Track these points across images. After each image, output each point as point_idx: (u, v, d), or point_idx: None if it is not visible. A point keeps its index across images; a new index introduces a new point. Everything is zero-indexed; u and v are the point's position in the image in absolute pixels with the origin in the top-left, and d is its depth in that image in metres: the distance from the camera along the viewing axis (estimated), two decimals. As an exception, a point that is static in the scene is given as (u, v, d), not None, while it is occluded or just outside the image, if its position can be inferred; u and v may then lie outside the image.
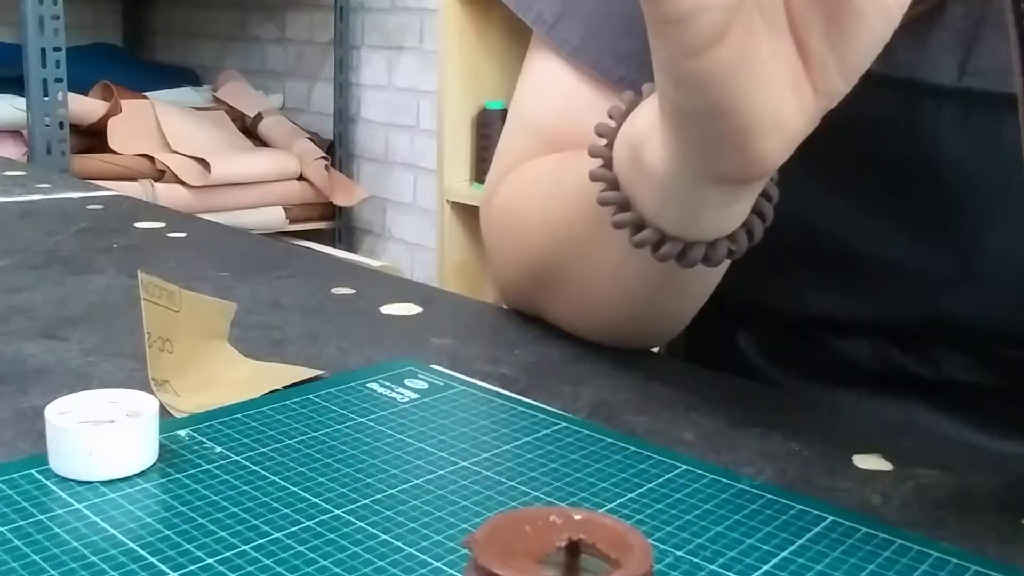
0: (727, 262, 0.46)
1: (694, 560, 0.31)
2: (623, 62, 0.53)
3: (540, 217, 0.53)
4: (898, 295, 0.51)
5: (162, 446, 0.37)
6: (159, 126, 2.58)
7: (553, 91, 0.57)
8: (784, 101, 0.35)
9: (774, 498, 0.35)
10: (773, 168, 0.37)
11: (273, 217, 2.67)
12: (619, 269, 0.49)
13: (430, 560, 0.30)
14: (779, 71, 0.35)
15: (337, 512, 0.33)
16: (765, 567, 0.31)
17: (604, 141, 0.45)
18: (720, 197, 0.41)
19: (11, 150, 2.36)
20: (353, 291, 0.62)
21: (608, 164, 0.44)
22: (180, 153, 2.53)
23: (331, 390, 0.44)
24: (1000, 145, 0.44)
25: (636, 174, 0.42)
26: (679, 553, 0.31)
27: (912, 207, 0.49)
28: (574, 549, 0.25)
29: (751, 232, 0.43)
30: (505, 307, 0.61)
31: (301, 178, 2.70)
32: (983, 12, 0.45)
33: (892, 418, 0.52)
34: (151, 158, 2.48)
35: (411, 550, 0.31)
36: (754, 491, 0.36)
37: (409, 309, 0.58)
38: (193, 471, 0.36)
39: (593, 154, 0.45)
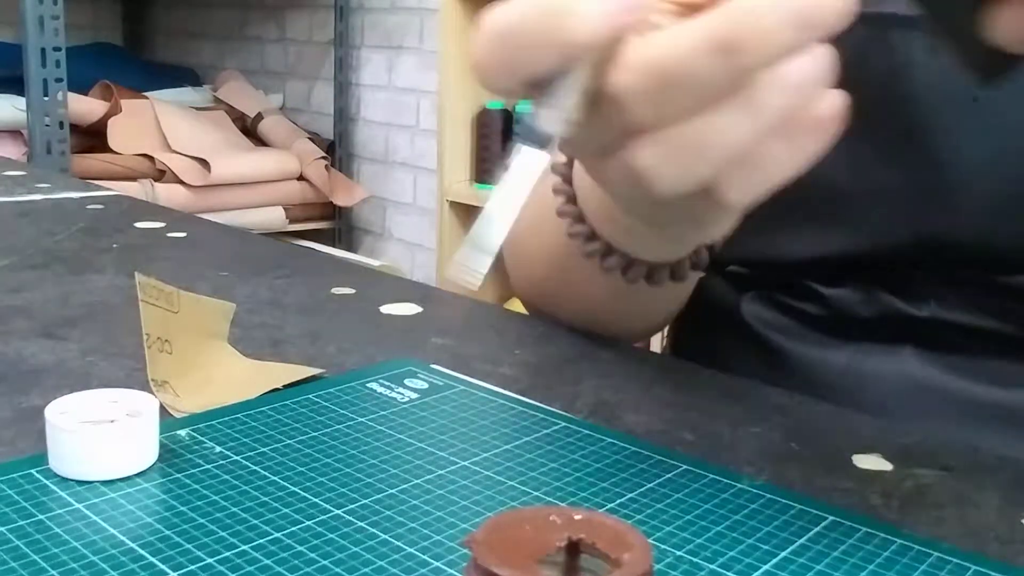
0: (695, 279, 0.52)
1: (694, 560, 0.31)
2: None
3: (531, 250, 0.58)
4: (882, 222, 0.53)
5: (162, 446, 0.37)
6: (159, 126, 2.58)
7: None
8: None
9: (774, 498, 0.35)
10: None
11: (273, 217, 2.67)
12: (591, 288, 0.53)
13: (430, 560, 0.30)
14: None
15: (337, 512, 0.33)
16: (765, 567, 0.31)
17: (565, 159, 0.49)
18: (665, 241, 0.46)
19: (11, 150, 2.36)
20: (353, 291, 0.62)
21: (568, 179, 0.49)
22: (180, 153, 2.53)
23: (331, 390, 0.44)
24: None
25: (589, 191, 0.47)
26: (679, 553, 0.31)
27: (887, 132, 0.51)
28: (574, 549, 0.25)
29: (696, 263, 0.49)
30: (505, 307, 0.61)
31: (301, 178, 2.70)
32: None
33: (885, 371, 0.53)
34: (151, 158, 2.48)
35: (411, 550, 0.31)
36: (754, 491, 0.36)
37: (409, 309, 0.58)
38: (193, 471, 0.36)
39: (555, 171, 0.49)
